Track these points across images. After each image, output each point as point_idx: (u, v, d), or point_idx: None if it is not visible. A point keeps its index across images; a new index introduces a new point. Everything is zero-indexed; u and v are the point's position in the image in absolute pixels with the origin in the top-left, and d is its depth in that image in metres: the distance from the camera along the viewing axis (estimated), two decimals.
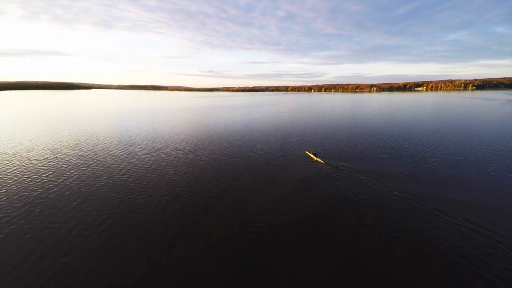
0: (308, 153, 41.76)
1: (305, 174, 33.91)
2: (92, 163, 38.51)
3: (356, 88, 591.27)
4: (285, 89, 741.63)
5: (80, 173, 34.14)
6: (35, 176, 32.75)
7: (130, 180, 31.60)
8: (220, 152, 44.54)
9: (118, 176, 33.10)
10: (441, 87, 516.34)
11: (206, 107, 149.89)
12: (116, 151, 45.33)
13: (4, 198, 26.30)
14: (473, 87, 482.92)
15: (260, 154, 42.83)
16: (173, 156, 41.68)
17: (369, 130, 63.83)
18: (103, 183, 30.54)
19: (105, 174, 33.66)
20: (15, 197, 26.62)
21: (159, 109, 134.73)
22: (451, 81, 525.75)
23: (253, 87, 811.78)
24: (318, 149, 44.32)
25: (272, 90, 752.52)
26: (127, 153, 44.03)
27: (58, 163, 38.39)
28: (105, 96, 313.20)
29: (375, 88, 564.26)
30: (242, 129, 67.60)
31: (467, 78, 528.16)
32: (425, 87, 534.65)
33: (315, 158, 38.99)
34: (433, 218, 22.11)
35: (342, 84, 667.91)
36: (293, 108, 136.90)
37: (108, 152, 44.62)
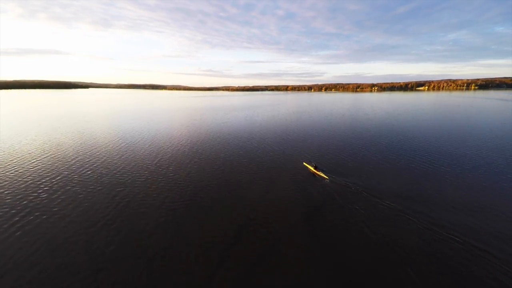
0: (307, 165, 35.73)
1: (305, 190, 28.20)
2: (84, 165, 37.43)
3: (357, 88, 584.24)
4: (285, 88, 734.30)
5: (73, 175, 33.23)
6: (31, 177, 32.33)
7: (127, 183, 30.85)
8: (213, 161, 38.78)
9: (115, 177, 32.54)
10: (443, 86, 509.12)
11: (203, 109, 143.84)
12: (112, 153, 42.95)
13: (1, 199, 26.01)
14: (476, 87, 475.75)
15: (258, 166, 36.94)
16: (157, 168, 35.65)
17: (380, 138, 57.02)
18: (100, 184, 30.23)
19: (102, 175, 33.07)
20: (12, 197, 26.39)
21: (152, 111, 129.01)
22: (453, 81, 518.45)
23: (253, 86, 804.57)
24: (321, 160, 38.16)
25: (272, 90, 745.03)
26: (123, 157, 41.45)
27: (49, 166, 36.72)
28: (101, 96, 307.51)
29: (376, 88, 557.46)
30: (239, 136, 61.56)
31: (467, 78, 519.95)
32: (426, 87, 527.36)
33: (317, 172, 32.94)
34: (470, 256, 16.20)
35: (342, 84, 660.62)
36: (296, 110, 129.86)
37: (103, 154, 42.25)
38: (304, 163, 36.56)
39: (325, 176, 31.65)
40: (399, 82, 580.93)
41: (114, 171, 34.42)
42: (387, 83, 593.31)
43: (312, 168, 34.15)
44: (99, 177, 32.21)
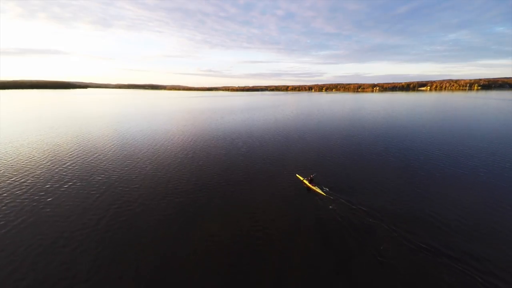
0: (300, 178, 30.24)
1: (299, 207, 23.18)
2: (78, 168, 35.91)
3: (358, 88, 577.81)
4: (285, 88, 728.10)
5: (68, 177, 32.12)
6: (26, 178, 31.53)
7: (119, 189, 28.63)
8: (202, 168, 33.48)
9: (115, 179, 31.14)
10: (445, 87, 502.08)
11: (199, 111, 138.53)
12: (103, 159, 39.85)
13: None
14: (479, 87, 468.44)
15: (254, 176, 31.75)
16: (141, 179, 30.35)
17: (390, 149, 48.53)
18: (100, 186, 28.99)
19: (102, 179, 31.34)
20: (12, 200, 25.37)
21: (143, 113, 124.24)
22: (456, 81, 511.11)
23: (253, 86, 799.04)
24: (318, 172, 32.54)
25: (272, 90, 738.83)
26: (114, 162, 38.15)
27: (46, 167, 35.81)
28: (96, 96, 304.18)
29: (377, 88, 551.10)
30: (235, 143, 56.20)
31: (468, 78, 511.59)
32: (429, 87, 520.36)
33: (311, 187, 27.52)
34: None
35: (343, 84, 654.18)
36: (299, 112, 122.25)
37: (95, 157, 39.66)
38: (297, 175, 31.03)
39: (321, 192, 26.20)
40: (401, 82, 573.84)
41: (106, 176, 32.15)
42: (389, 83, 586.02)
43: (306, 182, 28.68)
44: (93, 180, 30.98)
